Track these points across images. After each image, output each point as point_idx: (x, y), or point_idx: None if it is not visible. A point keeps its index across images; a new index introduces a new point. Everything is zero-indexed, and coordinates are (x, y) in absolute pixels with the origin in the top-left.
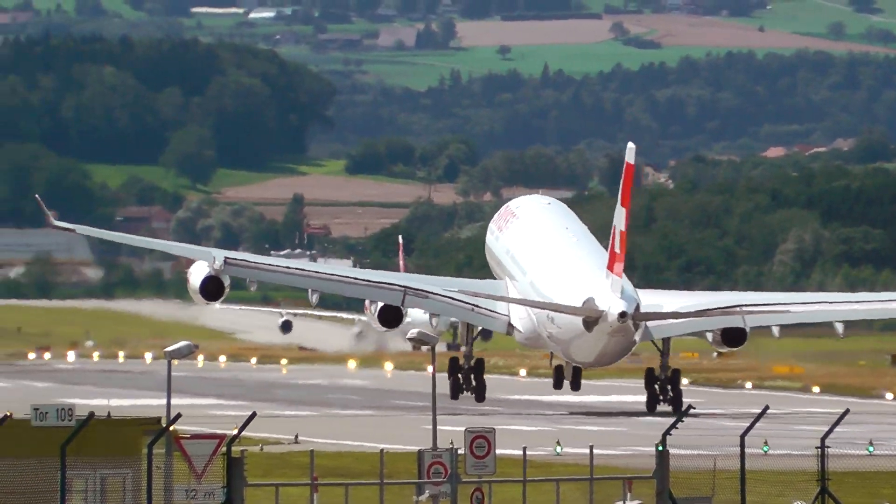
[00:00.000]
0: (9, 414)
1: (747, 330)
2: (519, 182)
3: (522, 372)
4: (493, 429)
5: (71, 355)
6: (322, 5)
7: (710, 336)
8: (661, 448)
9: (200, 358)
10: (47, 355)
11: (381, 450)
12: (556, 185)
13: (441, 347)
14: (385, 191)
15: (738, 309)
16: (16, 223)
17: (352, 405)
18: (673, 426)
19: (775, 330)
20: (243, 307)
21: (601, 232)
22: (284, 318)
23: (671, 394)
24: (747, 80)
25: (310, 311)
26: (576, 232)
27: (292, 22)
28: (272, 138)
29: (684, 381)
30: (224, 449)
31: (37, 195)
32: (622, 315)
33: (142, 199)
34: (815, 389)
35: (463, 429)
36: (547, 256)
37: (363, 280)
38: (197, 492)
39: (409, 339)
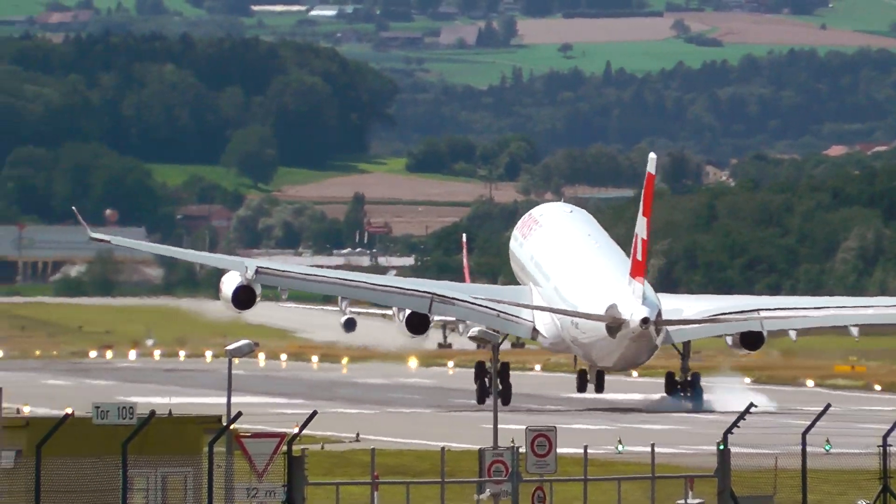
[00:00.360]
0: (70, 412)
1: (764, 334)
2: (580, 180)
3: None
4: (555, 427)
5: (132, 354)
6: (384, 3)
7: (729, 340)
8: (722, 447)
9: (261, 356)
10: (109, 354)
11: (442, 448)
12: (618, 184)
13: (505, 345)
14: (446, 189)
15: (755, 314)
16: (77, 221)
17: (413, 403)
18: (734, 424)
19: (792, 334)
20: (306, 306)
21: (659, 232)
22: (348, 317)
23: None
24: (809, 79)
25: (372, 310)
26: (598, 239)
27: (354, 20)
28: (333, 137)
29: (746, 379)
30: (285, 447)
31: (73, 207)
32: (644, 321)
33: (202, 198)
34: (877, 388)
35: (524, 427)
36: (570, 263)
37: (391, 287)
38: (258, 490)
39: (471, 338)
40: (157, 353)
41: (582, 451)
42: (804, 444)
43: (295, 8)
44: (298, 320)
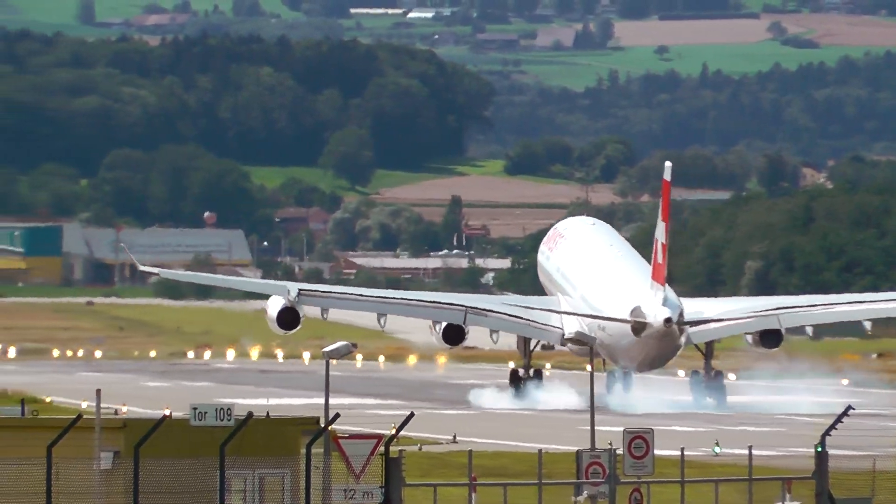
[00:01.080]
0: (168, 413)
1: (783, 331)
2: (676, 182)
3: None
4: (652, 429)
5: (230, 355)
6: (480, 5)
7: (748, 339)
8: (820, 449)
9: (359, 357)
10: (207, 354)
11: (540, 450)
12: (714, 186)
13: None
14: (543, 191)
15: (774, 312)
16: (174, 224)
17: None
18: (832, 427)
19: (809, 330)
20: None
21: (756, 235)
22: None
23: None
24: None
25: None
26: (620, 248)
27: (451, 22)
28: (430, 139)
29: (843, 381)
30: (382, 449)
31: (122, 243)
32: (667, 321)
33: (300, 201)
34: None
35: (621, 429)
36: (594, 271)
37: (427, 302)
38: (355, 492)
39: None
40: (254, 354)
41: (679, 452)
42: None
43: (392, 10)
44: (395, 321)
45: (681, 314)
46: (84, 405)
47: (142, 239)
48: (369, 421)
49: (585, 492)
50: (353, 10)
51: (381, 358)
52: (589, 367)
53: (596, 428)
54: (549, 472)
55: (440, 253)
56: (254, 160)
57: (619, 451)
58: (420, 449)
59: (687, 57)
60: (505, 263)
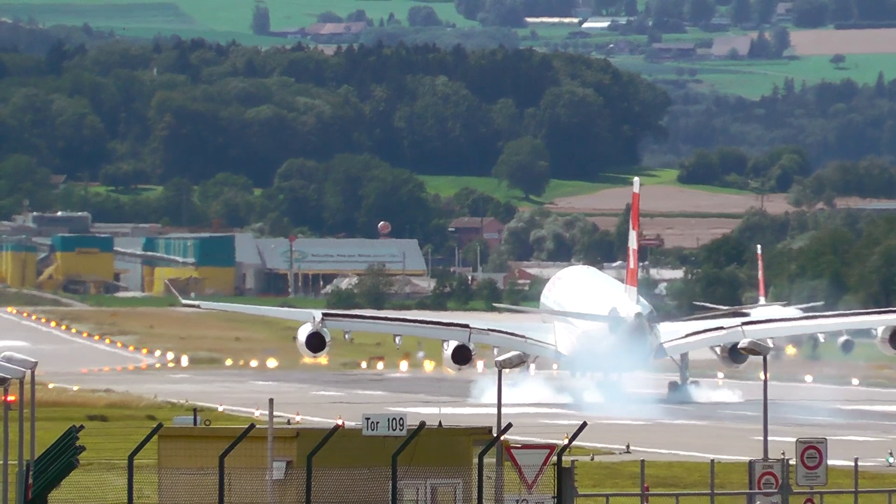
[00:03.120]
0: (340, 423)
1: (747, 345)
2: (852, 192)
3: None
4: (825, 439)
5: (403, 365)
6: (656, 14)
7: (717, 354)
8: None
9: (532, 367)
10: (380, 365)
11: (712, 460)
12: (890, 195)
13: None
14: (717, 201)
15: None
16: (349, 233)
17: (683, 415)
18: None
19: (770, 342)
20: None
21: None
22: None
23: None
24: None
25: None
26: (606, 280)
27: (626, 31)
28: (605, 148)
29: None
30: (554, 459)
31: (166, 280)
32: (637, 315)
33: (474, 211)
34: None
35: (794, 439)
36: (582, 294)
37: (435, 324)
38: (528, 502)
39: (742, 349)
40: (427, 364)
41: (853, 463)
42: None
43: (568, 19)
44: None
45: (650, 312)
46: (256, 414)
47: (316, 249)
48: (542, 431)
49: (758, 502)
50: (528, 19)
51: (555, 367)
52: (762, 376)
53: (769, 438)
54: (721, 482)
55: (614, 264)
56: (428, 170)
57: (792, 462)
58: (592, 459)
59: (863, 66)
60: (678, 273)
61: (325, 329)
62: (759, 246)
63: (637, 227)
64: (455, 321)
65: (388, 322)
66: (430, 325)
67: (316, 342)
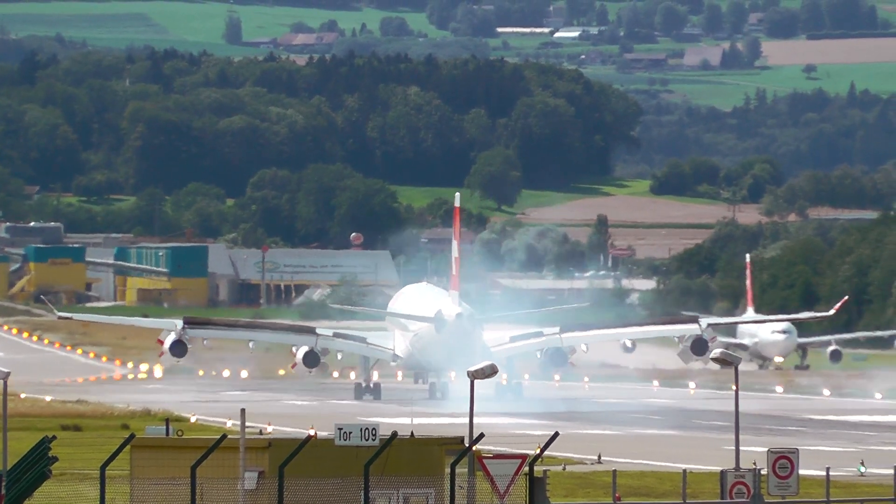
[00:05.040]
0: (313, 434)
1: (566, 351)
2: (824, 202)
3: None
4: (797, 449)
5: (375, 375)
6: (628, 25)
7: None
8: None
9: (504, 376)
10: (352, 374)
11: (684, 470)
12: (862, 206)
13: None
14: (689, 211)
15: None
16: (322, 244)
17: (653, 424)
18: None
19: (584, 347)
20: None
21: None
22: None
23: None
24: None
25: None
26: (440, 292)
27: (598, 41)
28: (577, 159)
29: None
30: (526, 469)
31: (44, 297)
32: (458, 315)
33: (447, 221)
34: None
35: (766, 449)
36: (417, 303)
37: (286, 328)
38: None
39: (713, 359)
40: (399, 375)
41: (824, 472)
42: None
43: (539, 30)
44: None
45: (470, 314)
46: (229, 424)
47: (288, 259)
48: (514, 441)
49: None
50: (499, 30)
51: (526, 376)
52: (733, 387)
53: (740, 448)
54: (693, 491)
55: (586, 274)
56: (400, 180)
57: (764, 471)
58: (564, 469)
59: (835, 76)
60: (650, 284)
61: (186, 336)
62: (747, 255)
63: (458, 237)
64: (303, 325)
65: (242, 329)
66: (279, 331)
67: (179, 349)
